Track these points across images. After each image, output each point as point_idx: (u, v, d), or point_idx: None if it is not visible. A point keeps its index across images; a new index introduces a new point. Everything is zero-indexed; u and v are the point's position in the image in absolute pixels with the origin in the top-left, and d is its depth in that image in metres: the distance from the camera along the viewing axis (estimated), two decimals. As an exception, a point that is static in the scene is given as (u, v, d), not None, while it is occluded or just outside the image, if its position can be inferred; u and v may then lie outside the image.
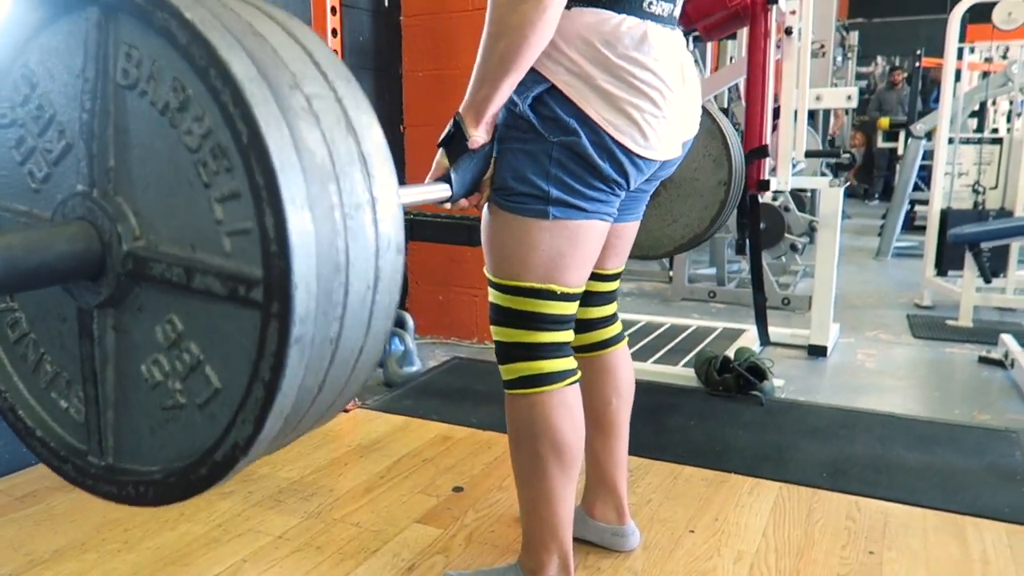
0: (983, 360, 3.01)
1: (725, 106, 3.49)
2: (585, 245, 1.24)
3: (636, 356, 2.89)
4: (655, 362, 2.85)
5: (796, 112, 2.90)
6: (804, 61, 2.84)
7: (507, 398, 1.29)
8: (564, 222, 1.20)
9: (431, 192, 1.13)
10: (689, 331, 3.29)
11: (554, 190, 1.18)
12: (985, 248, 3.33)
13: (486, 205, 1.24)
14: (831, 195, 2.99)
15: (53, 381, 0.79)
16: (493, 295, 1.27)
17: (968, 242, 3.43)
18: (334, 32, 2.21)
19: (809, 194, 5.27)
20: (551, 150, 1.16)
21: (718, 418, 2.32)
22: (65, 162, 0.73)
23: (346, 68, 0.71)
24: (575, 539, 1.56)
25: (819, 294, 3.06)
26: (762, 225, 3.63)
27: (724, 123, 2.26)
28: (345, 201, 0.65)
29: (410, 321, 3.09)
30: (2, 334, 0.82)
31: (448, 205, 1.17)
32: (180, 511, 1.72)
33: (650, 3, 1.18)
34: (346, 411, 2.40)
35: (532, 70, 1.15)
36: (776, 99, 2.89)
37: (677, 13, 1.26)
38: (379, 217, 0.68)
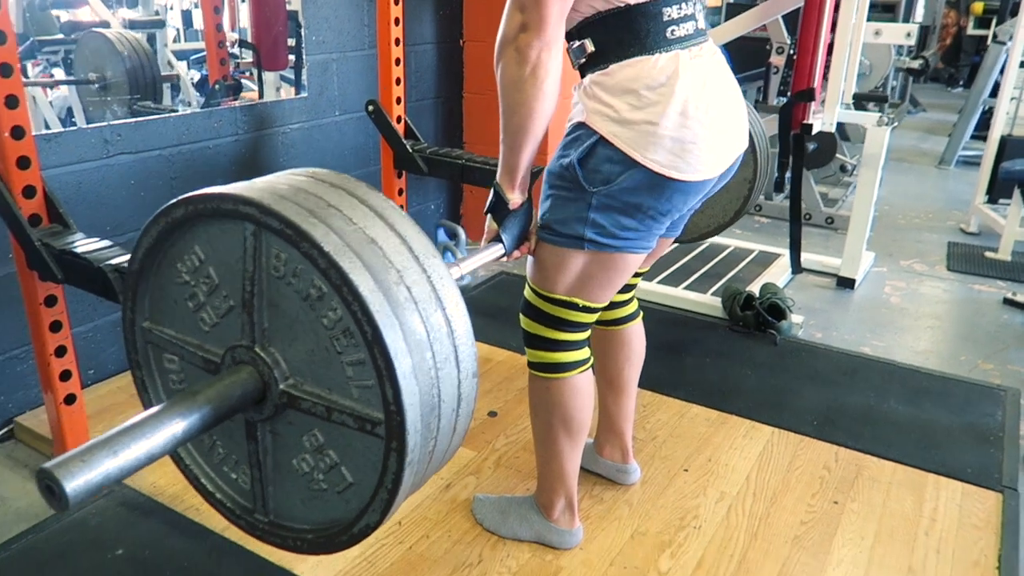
0: (1007, 302, 3.13)
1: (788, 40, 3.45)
2: (613, 273, 1.44)
3: (669, 281, 3.11)
4: (687, 287, 3.06)
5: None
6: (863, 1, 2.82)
7: (529, 375, 1.56)
8: (597, 253, 1.39)
9: (489, 255, 1.37)
10: (726, 252, 3.47)
11: (589, 232, 1.36)
12: (1035, 186, 3.35)
13: (534, 238, 1.44)
14: (877, 134, 3.03)
15: (224, 459, 1.12)
16: (528, 294, 1.51)
17: (1018, 179, 3.45)
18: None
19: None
20: (591, 199, 1.34)
21: (732, 356, 2.57)
22: (229, 318, 1.01)
23: (430, 242, 0.97)
24: (587, 471, 1.89)
25: (854, 229, 3.18)
26: (812, 145, 3.69)
27: (753, 121, 2.37)
28: (437, 359, 0.93)
29: (463, 235, 3.33)
30: None
31: (505, 258, 1.41)
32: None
33: (672, 30, 1.31)
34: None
35: (583, 126, 1.32)
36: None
37: (703, 23, 1.38)
38: (460, 360, 0.96)
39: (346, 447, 0.97)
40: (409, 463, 0.91)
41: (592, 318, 1.50)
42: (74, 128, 2.11)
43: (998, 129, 3.87)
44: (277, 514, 1.07)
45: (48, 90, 2.41)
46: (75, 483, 0.79)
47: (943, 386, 2.41)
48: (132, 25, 2.58)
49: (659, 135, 1.28)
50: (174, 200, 0.98)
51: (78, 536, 1.68)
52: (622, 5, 1.29)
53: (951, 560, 1.68)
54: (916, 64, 4.97)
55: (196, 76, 2.84)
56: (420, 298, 0.91)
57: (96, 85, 2.48)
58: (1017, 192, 3.49)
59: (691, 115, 1.29)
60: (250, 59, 2.85)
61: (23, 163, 1.55)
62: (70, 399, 1.76)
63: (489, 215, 1.41)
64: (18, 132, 1.53)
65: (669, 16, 1.30)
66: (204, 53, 2.89)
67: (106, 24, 2.57)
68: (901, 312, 3.05)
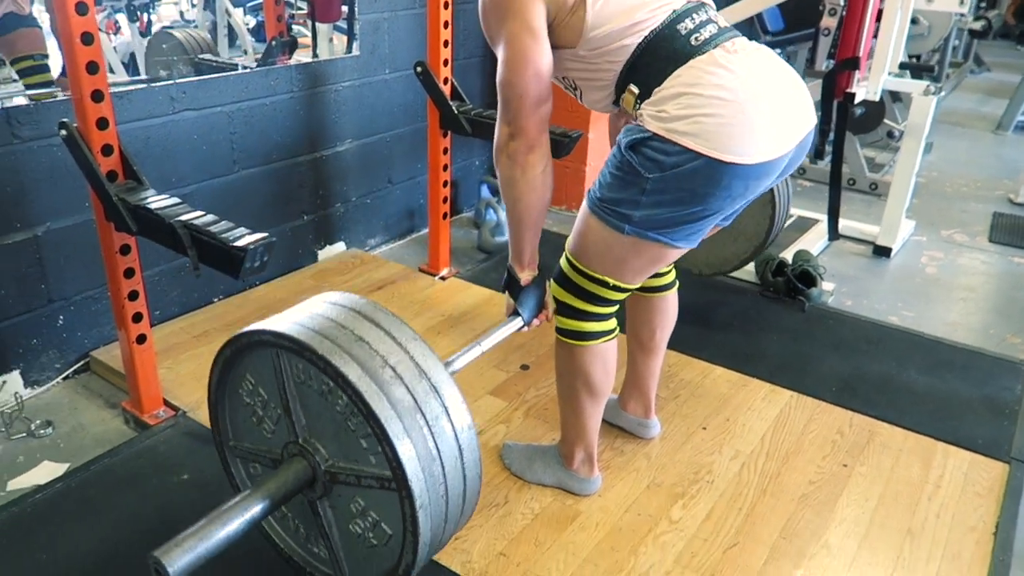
0: (1045, 276, 3.13)
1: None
2: (648, 261, 1.52)
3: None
4: (721, 251, 3.13)
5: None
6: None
7: (556, 340, 1.68)
8: (636, 239, 1.46)
9: (509, 328, 1.57)
10: (764, 217, 3.50)
11: (637, 214, 1.42)
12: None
13: (585, 200, 1.53)
14: (922, 104, 3.02)
15: (307, 537, 1.44)
16: (564, 264, 1.60)
17: (1068, 151, 3.39)
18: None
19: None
20: (646, 184, 1.40)
21: (760, 321, 2.65)
22: (280, 424, 1.33)
23: (411, 330, 1.25)
24: (611, 424, 2.02)
25: (894, 198, 3.19)
26: (860, 110, 3.68)
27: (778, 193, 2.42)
28: (428, 418, 1.16)
29: (505, 192, 3.44)
30: (272, 515, 1.40)
31: (525, 329, 1.59)
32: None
33: (696, 37, 1.39)
34: (443, 279, 2.86)
35: (640, 128, 1.39)
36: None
37: (724, 22, 1.45)
38: (452, 416, 1.19)
39: (379, 506, 1.22)
40: (421, 507, 1.13)
41: (622, 296, 1.60)
42: (143, 86, 2.26)
43: (1055, 98, 3.79)
44: (350, 573, 1.34)
45: (112, 35, 2.55)
46: (177, 565, 1.08)
47: (965, 358, 2.46)
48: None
49: (709, 124, 1.32)
50: (222, 346, 1.33)
51: (148, 461, 1.88)
52: (640, 43, 1.38)
53: (950, 524, 1.77)
54: (978, 25, 4.83)
55: (252, 22, 2.96)
56: (404, 374, 1.15)
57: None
58: (1068, 165, 3.43)
59: (739, 100, 1.33)
60: (305, 11, 2.95)
61: (102, 124, 1.70)
62: (141, 339, 1.95)
63: (506, 291, 1.59)
64: (98, 95, 1.67)
65: (685, 28, 1.38)
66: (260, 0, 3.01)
67: None
68: (935, 283, 3.08)
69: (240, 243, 1.55)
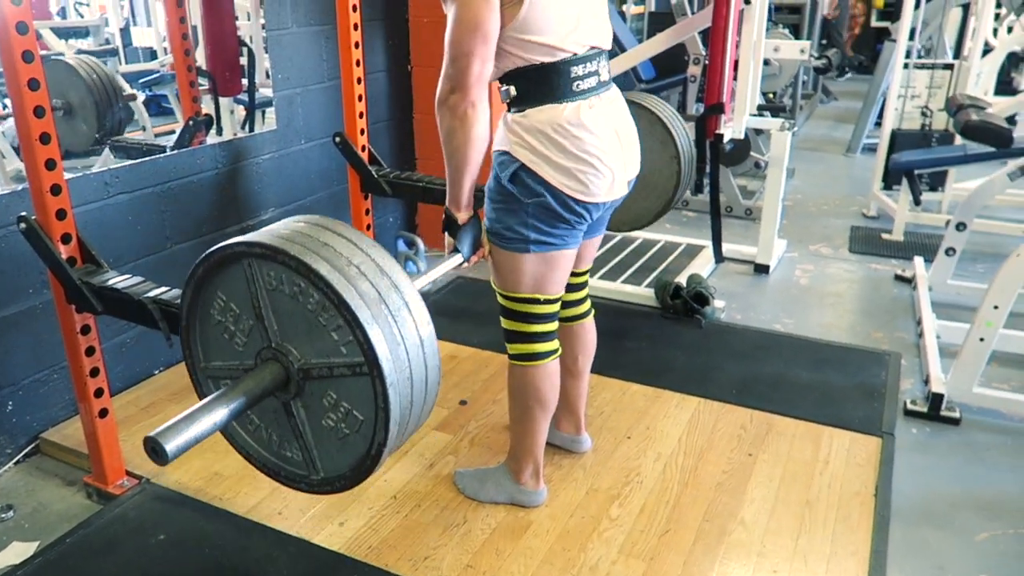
0: (898, 278, 3.63)
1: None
2: (558, 267, 1.82)
3: (609, 276, 3.51)
4: (624, 281, 3.47)
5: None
6: (761, 27, 3.24)
7: (509, 365, 1.92)
8: (541, 253, 1.77)
9: (451, 263, 1.75)
10: (658, 247, 3.89)
11: (532, 234, 1.74)
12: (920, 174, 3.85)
13: (488, 244, 1.81)
14: (780, 139, 3.48)
15: (280, 443, 1.48)
16: (499, 299, 1.87)
17: (904, 169, 3.94)
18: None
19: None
20: (527, 208, 1.72)
21: (664, 340, 2.98)
22: (252, 334, 1.38)
23: (370, 239, 1.36)
24: (548, 443, 2.25)
25: (766, 221, 3.63)
26: (729, 145, 4.14)
27: (677, 134, 2.79)
28: (391, 309, 1.30)
29: (421, 244, 3.68)
30: (244, 428, 1.52)
31: (465, 264, 1.76)
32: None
33: (578, 84, 1.68)
34: (374, 330, 3.05)
35: (508, 154, 1.70)
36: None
37: (605, 75, 1.76)
38: (412, 310, 1.34)
39: (350, 394, 1.34)
40: (391, 384, 1.27)
41: (554, 308, 1.87)
42: (79, 174, 2.38)
43: (889, 124, 4.38)
44: (324, 470, 1.44)
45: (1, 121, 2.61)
46: (172, 444, 1.20)
47: (840, 354, 2.86)
48: (81, 54, 2.82)
49: (562, 166, 1.67)
50: (195, 263, 1.38)
51: (122, 527, 1.98)
52: (538, 63, 1.66)
53: (839, 492, 2.10)
54: (820, 63, 5.49)
55: (142, 97, 3.07)
56: (367, 272, 1.30)
57: (61, 112, 2.71)
58: (905, 181, 3.98)
59: (588, 152, 1.68)
60: (206, 86, 3.11)
61: (60, 215, 1.83)
62: (103, 413, 2.05)
63: (446, 232, 1.78)
64: (56, 189, 1.81)
65: (575, 73, 1.67)
66: (155, 75, 3.13)
67: (60, 55, 2.80)
68: (809, 292, 3.52)
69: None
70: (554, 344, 1.91)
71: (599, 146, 1.70)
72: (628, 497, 2.09)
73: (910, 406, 2.50)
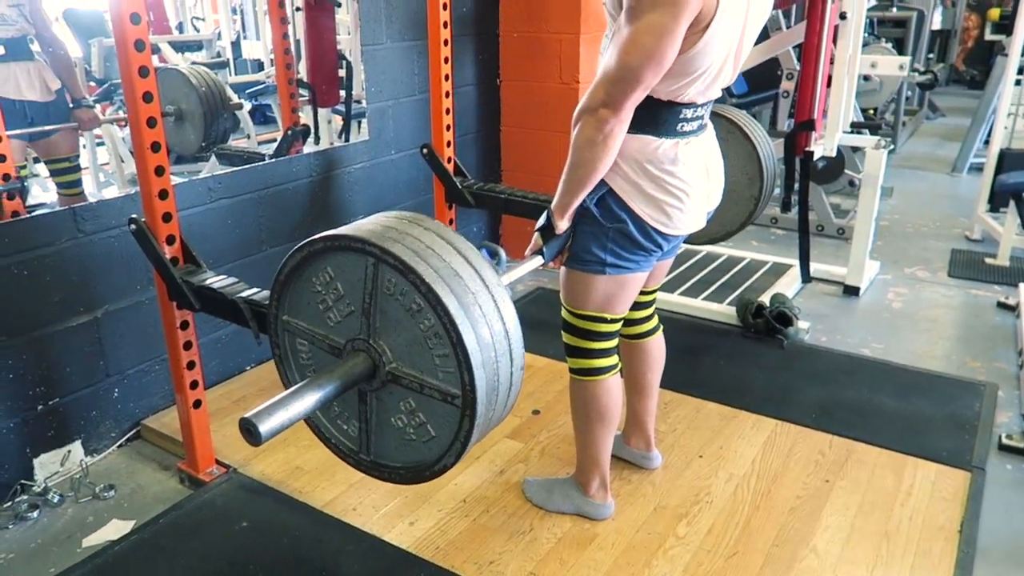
0: (1000, 305, 3.44)
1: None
2: (627, 289, 1.84)
3: (691, 292, 3.48)
4: (705, 299, 3.42)
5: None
6: (857, 42, 3.16)
7: (570, 379, 1.95)
8: (614, 276, 1.79)
9: (532, 264, 1.75)
10: (742, 264, 3.82)
11: (608, 257, 1.76)
12: (1028, 197, 3.64)
13: (564, 263, 1.84)
14: (875, 156, 3.36)
15: (340, 415, 1.54)
16: (564, 314, 1.90)
17: (1011, 191, 3.74)
18: (444, 6, 2.70)
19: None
20: (608, 232, 1.73)
21: (744, 358, 2.92)
22: (349, 319, 1.42)
23: (496, 274, 1.37)
24: (617, 458, 2.26)
25: (857, 242, 3.51)
26: (822, 163, 4.03)
27: (762, 150, 2.70)
28: (498, 354, 1.33)
29: (503, 255, 3.73)
30: None
31: (542, 266, 1.79)
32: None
33: (682, 125, 1.69)
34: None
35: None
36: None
37: (707, 119, 1.77)
38: (513, 357, 1.37)
39: (431, 411, 1.38)
40: (477, 425, 1.33)
41: (616, 327, 1.89)
42: (187, 179, 2.55)
43: (997, 142, 4.17)
44: (377, 455, 1.50)
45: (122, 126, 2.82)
46: (265, 426, 1.24)
47: (930, 382, 2.74)
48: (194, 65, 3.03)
49: (651, 196, 1.68)
50: (315, 236, 1.40)
51: (209, 512, 2.10)
52: (671, 99, 1.64)
53: (920, 526, 2.02)
54: (924, 79, 5.27)
55: (248, 106, 3.26)
56: (488, 314, 1.32)
57: (173, 118, 2.91)
58: (1012, 203, 3.78)
59: (678, 188, 1.69)
60: (306, 97, 3.27)
61: (167, 217, 1.98)
62: (197, 404, 2.19)
63: (537, 232, 1.76)
64: (163, 194, 1.95)
65: (685, 115, 1.68)
66: (261, 86, 3.32)
67: (176, 66, 3.01)
68: (901, 316, 3.38)
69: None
70: (614, 359, 1.92)
71: (689, 181, 1.71)
72: (696, 516, 2.07)
73: (1005, 440, 2.38)
